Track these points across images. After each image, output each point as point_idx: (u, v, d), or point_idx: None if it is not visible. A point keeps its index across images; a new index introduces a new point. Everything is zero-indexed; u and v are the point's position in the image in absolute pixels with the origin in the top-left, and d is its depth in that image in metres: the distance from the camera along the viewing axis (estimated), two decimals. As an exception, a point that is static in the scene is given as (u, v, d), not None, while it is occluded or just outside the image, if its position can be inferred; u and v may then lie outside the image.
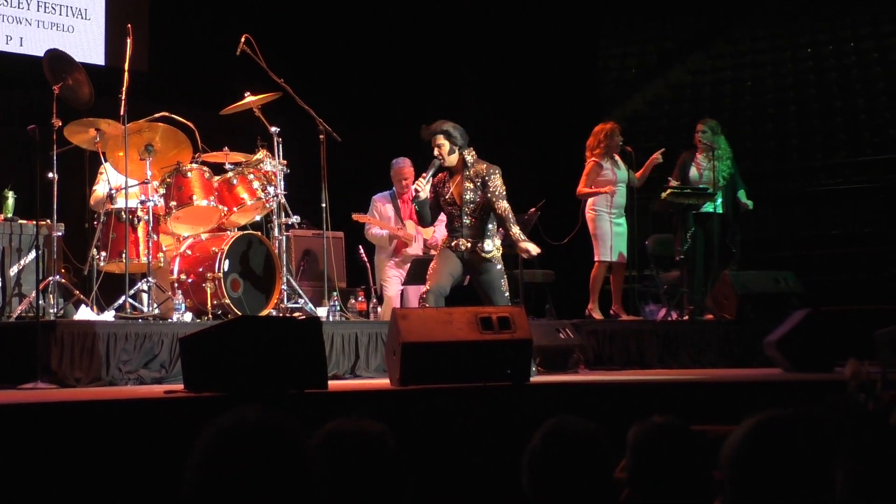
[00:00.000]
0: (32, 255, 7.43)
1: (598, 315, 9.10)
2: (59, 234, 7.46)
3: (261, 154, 7.81)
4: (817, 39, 17.24)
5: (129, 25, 7.85)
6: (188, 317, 7.18)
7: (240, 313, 7.18)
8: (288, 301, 7.64)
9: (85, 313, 7.09)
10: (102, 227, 7.38)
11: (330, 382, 5.52)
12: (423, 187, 7.03)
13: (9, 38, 9.93)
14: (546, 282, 10.08)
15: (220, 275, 7.25)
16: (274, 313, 7.43)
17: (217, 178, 7.67)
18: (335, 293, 7.97)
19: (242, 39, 7.98)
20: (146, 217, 7.32)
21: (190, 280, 7.36)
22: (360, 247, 9.41)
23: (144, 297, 7.29)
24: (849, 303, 8.70)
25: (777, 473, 2.26)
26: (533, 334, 6.17)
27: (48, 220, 7.29)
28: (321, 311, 7.76)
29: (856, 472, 2.30)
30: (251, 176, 7.70)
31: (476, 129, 7.97)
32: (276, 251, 7.62)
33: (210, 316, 7.18)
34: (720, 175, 9.40)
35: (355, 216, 9.25)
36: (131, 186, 7.44)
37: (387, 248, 9.34)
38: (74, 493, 4.19)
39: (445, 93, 11.71)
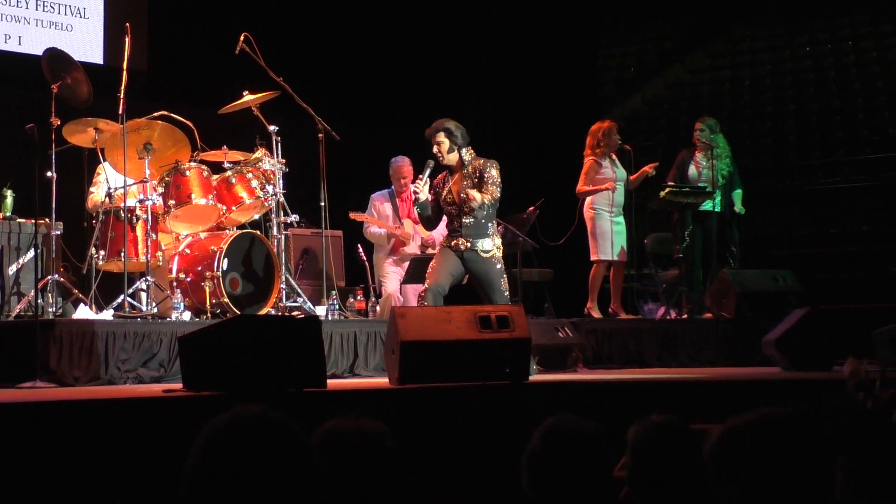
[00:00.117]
0: (31, 253, 7.42)
1: (596, 314, 9.10)
2: (58, 232, 7.46)
3: (259, 153, 7.81)
4: (816, 39, 17.25)
5: (128, 24, 7.84)
6: (187, 316, 7.18)
7: (238, 312, 7.18)
8: (287, 300, 7.64)
9: (84, 312, 7.10)
10: (101, 225, 7.37)
11: (329, 381, 5.52)
12: (422, 189, 7.03)
13: (7, 36, 9.93)
14: (544, 280, 10.08)
15: (219, 273, 7.24)
16: (273, 312, 7.43)
17: (216, 176, 7.67)
18: (334, 292, 7.97)
19: (241, 38, 7.98)
20: (145, 216, 7.32)
21: (189, 279, 7.36)
22: (359, 245, 9.42)
23: (143, 295, 7.29)
24: (847, 301, 8.71)
25: (776, 473, 2.26)
26: (532, 333, 6.17)
27: (47, 219, 7.29)
28: (320, 310, 7.76)
29: (855, 471, 2.30)
30: (250, 175, 7.70)
31: (476, 128, 7.98)
32: (275, 250, 7.62)
33: (209, 315, 7.18)
34: (719, 174, 9.41)
35: (353, 215, 9.25)
36: (130, 185, 7.45)
37: (385, 246, 9.34)
38: (73, 492, 4.19)
39: (445, 92, 11.71)
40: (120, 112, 7.35)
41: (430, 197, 7.17)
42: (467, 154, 7.07)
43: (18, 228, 7.59)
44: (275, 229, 7.79)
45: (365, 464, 2.33)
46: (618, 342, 8.55)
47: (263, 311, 7.37)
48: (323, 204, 8.03)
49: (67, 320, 6.76)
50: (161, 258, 7.48)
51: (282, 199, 7.80)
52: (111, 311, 6.99)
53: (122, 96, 7.43)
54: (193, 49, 10.86)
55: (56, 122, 7.15)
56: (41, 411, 4.52)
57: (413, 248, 9.25)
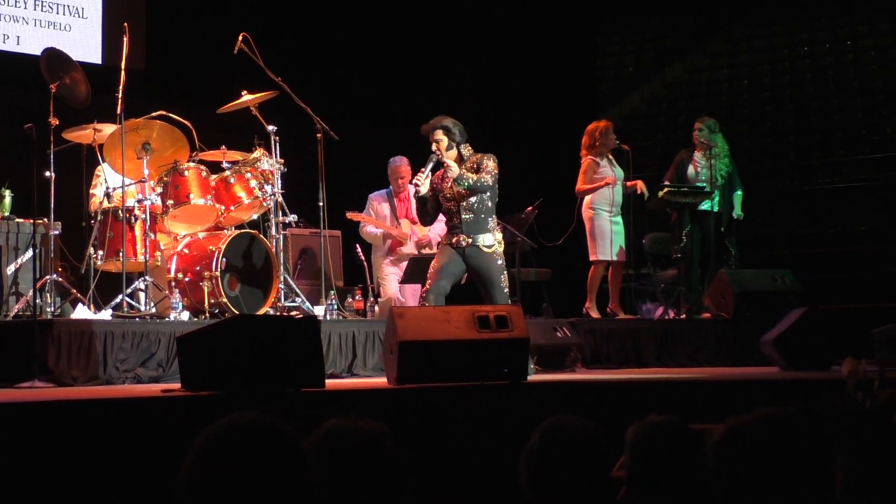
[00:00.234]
0: (29, 253, 7.42)
1: (595, 314, 9.09)
2: (56, 232, 7.45)
3: (258, 153, 7.80)
4: (815, 38, 17.25)
5: (126, 24, 7.83)
6: (185, 315, 7.17)
7: (237, 312, 7.18)
8: (285, 300, 7.64)
9: (82, 312, 7.09)
10: (99, 225, 7.37)
11: (327, 381, 5.52)
12: (423, 182, 7.03)
13: (6, 36, 9.92)
14: (543, 280, 10.08)
15: (218, 273, 7.24)
16: (271, 312, 7.43)
17: (214, 176, 7.67)
18: (332, 292, 7.96)
19: (240, 38, 7.97)
20: (143, 216, 7.32)
21: (187, 279, 7.36)
22: (358, 245, 9.41)
23: (141, 295, 7.28)
24: (846, 301, 8.70)
25: (774, 472, 2.26)
26: (530, 333, 6.17)
27: (45, 219, 7.29)
28: (318, 310, 7.75)
29: (855, 471, 2.30)
30: (248, 174, 7.70)
31: (475, 127, 7.97)
32: (274, 250, 7.62)
33: (207, 315, 7.18)
34: (718, 173, 9.40)
35: (349, 214, 9.25)
36: (128, 185, 7.44)
37: (381, 246, 9.34)
38: (72, 492, 4.18)
39: (444, 92, 11.70)
40: (118, 112, 7.34)
41: (429, 193, 7.17)
42: (465, 150, 7.09)
43: (17, 228, 7.58)
44: (273, 229, 7.79)
45: (365, 464, 2.33)
46: (616, 342, 8.55)
47: (262, 311, 7.37)
48: (321, 204, 8.02)
49: (66, 320, 6.75)
50: (159, 258, 7.48)
51: (280, 198, 7.79)
52: (109, 311, 6.99)
53: (120, 96, 7.42)
54: (192, 49, 10.85)
55: (54, 121, 7.14)
56: (39, 411, 4.52)
57: (410, 248, 9.25)
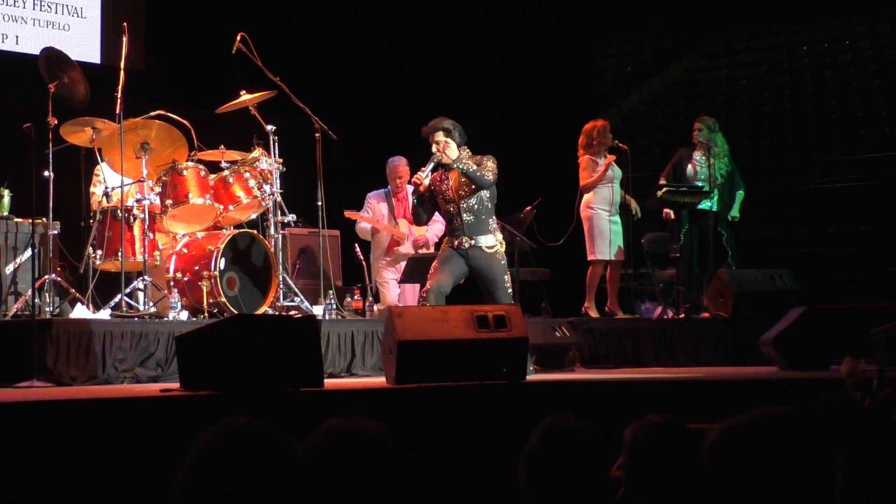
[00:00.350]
0: (28, 253, 7.42)
1: (594, 313, 9.10)
2: (55, 232, 7.45)
3: (257, 152, 7.81)
4: (813, 38, 17.25)
5: (125, 24, 7.83)
6: (184, 315, 7.17)
7: (236, 312, 7.18)
8: (284, 299, 7.64)
9: (81, 312, 7.09)
10: (98, 225, 7.37)
11: (326, 381, 5.52)
12: (424, 179, 7.02)
13: (4, 36, 9.92)
14: (541, 280, 10.08)
15: (216, 273, 7.24)
16: (270, 312, 7.43)
17: (213, 176, 7.67)
18: (331, 291, 7.97)
19: (238, 38, 7.97)
20: (142, 215, 7.32)
21: (186, 278, 7.36)
22: (356, 245, 9.42)
23: (140, 295, 7.28)
24: (845, 300, 8.70)
25: (772, 472, 2.26)
26: (529, 333, 6.17)
27: (44, 219, 7.29)
28: (317, 310, 7.75)
29: (854, 471, 2.30)
30: (247, 174, 7.70)
31: (475, 128, 7.97)
32: (272, 249, 7.62)
33: (206, 314, 7.18)
34: (717, 173, 9.40)
35: (347, 213, 9.26)
36: (127, 185, 7.44)
37: (372, 241, 9.36)
38: (70, 491, 4.18)
39: (443, 92, 11.71)
40: (117, 111, 7.34)
41: (427, 194, 7.16)
42: (464, 153, 7.08)
43: (16, 228, 7.59)
44: (272, 229, 7.79)
45: (364, 464, 2.33)
46: (615, 342, 8.55)
47: (261, 311, 7.37)
48: (320, 203, 8.02)
49: (64, 320, 6.75)
50: (158, 258, 7.48)
51: (279, 198, 7.80)
52: (108, 311, 6.99)
53: (119, 96, 7.42)
54: (191, 49, 10.85)
55: (53, 121, 7.14)
56: (38, 411, 4.51)
57: (407, 248, 9.25)
